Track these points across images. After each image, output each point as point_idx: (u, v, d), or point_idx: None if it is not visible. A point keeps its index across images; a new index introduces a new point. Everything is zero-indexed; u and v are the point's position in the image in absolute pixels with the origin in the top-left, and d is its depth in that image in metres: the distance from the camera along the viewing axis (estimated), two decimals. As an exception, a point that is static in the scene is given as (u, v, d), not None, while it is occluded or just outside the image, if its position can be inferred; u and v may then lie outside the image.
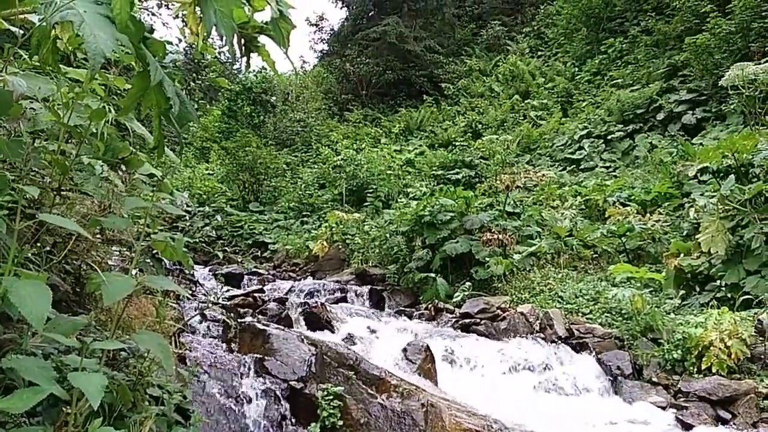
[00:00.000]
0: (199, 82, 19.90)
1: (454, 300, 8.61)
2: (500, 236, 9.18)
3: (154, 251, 3.37)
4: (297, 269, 13.16)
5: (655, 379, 5.71)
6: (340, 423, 4.60)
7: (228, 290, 9.38)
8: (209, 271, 11.63)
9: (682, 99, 15.08)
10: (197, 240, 13.73)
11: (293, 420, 4.60)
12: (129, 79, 3.21)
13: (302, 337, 5.67)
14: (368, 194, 15.41)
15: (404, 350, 6.52)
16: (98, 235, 3.60)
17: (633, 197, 10.82)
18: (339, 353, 5.46)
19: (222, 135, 22.23)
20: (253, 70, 23.56)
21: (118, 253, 4.43)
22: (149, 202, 2.72)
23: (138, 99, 2.47)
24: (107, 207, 3.60)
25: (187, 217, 13.47)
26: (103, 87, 3.10)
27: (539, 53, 26.17)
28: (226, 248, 14.63)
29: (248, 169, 17.66)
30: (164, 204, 2.94)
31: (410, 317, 8.49)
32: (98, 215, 3.14)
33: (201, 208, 15.54)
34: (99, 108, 2.87)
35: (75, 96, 2.74)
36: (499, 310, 7.69)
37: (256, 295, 8.73)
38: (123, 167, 4.02)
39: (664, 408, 5.24)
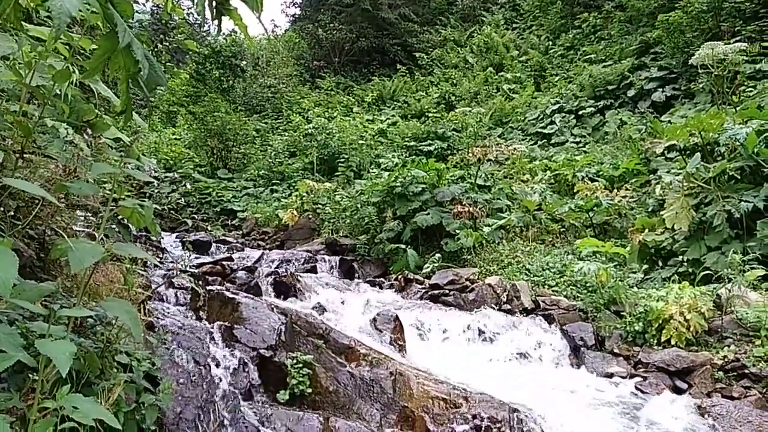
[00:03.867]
0: (167, 43, 19.30)
1: (424, 271, 8.68)
2: (471, 209, 9.26)
3: (120, 217, 3.30)
4: (266, 238, 13.07)
5: (616, 350, 5.89)
6: (309, 391, 4.63)
7: (196, 258, 9.29)
8: (176, 238, 11.49)
9: (653, 76, 15.25)
10: (164, 206, 13.49)
11: (262, 388, 4.62)
12: (95, 39, 3.09)
13: (272, 305, 5.67)
14: (340, 164, 15.31)
15: (373, 320, 6.58)
16: (63, 200, 3.50)
17: (601, 173, 10.99)
18: (309, 322, 5.48)
19: (189, 99, 21.69)
20: (223, 33, 22.98)
21: (83, 218, 4.33)
22: (116, 167, 2.64)
23: (104, 61, 2.38)
24: (72, 171, 3.50)
25: (155, 183, 13.21)
26: (67, 47, 2.99)
27: (514, 25, 26.08)
28: (195, 215, 14.44)
29: (217, 134, 17.32)
30: (132, 169, 2.86)
31: (380, 287, 8.54)
32: (63, 180, 3.05)
33: (168, 174, 15.23)
34: (63, 69, 2.76)
35: (38, 55, 2.64)
36: (467, 282, 7.80)
37: (224, 263, 8.66)
38: (88, 131, 3.90)
39: (624, 378, 5.41)
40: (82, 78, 3.24)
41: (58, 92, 3.23)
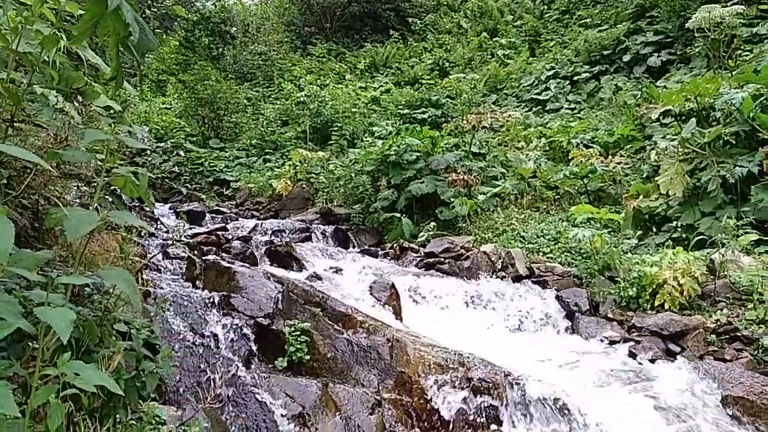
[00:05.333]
0: (155, 9, 18.90)
1: (419, 240, 8.70)
2: (465, 177, 9.23)
3: (113, 187, 3.26)
4: (260, 208, 13.04)
5: (610, 315, 5.95)
6: (307, 358, 4.67)
7: (190, 228, 9.25)
8: (170, 208, 11.43)
9: (649, 41, 15.09)
10: (158, 176, 13.41)
11: (261, 355, 4.65)
12: (82, 4, 3.00)
13: (268, 274, 5.68)
14: (333, 132, 15.16)
15: (370, 288, 6.61)
16: (55, 169, 3.45)
17: (596, 139, 10.95)
18: (305, 290, 5.50)
19: (179, 67, 21.32)
20: (212, -1, 22.51)
21: (76, 188, 4.28)
22: (109, 134, 2.60)
23: (93, 26, 2.32)
24: (64, 140, 3.44)
25: (149, 152, 13.10)
26: (53, 12, 2.90)
27: (508, -11, 25.63)
28: (187, 185, 14.36)
29: (207, 103, 17.07)
30: (126, 137, 2.82)
31: (375, 256, 8.56)
32: (55, 148, 3.00)
33: (159, 144, 15.08)
34: (50, 34, 2.69)
35: (24, 21, 2.57)
36: (462, 250, 7.83)
37: (219, 233, 8.64)
38: (78, 98, 3.83)
39: (617, 342, 5.48)
40: (70, 44, 3.16)
41: (46, 59, 3.16)
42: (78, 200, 4.22)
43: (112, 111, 3.99)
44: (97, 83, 3.94)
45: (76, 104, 3.78)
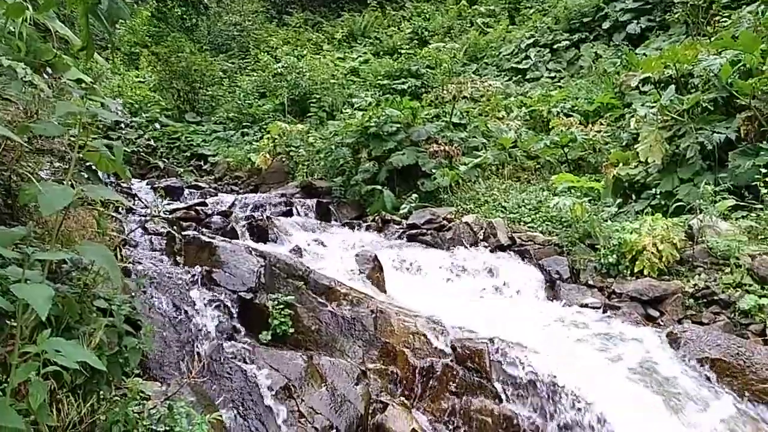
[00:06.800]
0: (124, -21, 18.29)
1: (401, 211, 8.70)
2: (446, 148, 9.21)
3: (88, 162, 3.17)
4: (239, 182, 12.90)
5: (591, 282, 6.03)
6: (292, 331, 4.68)
7: (169, 204, 9.12)
8: (147, 184, 11.26)
9: (628, 8, 15.03)
10: (133, 151, 13.14)
11: (244, 329, 4.64)
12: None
13: (250, 249, 5.64)
14: (311, 104, 14.97)
15: (353, 260, 6.60)
16: (27, 145, 3.35)
17: (576, 108, 10.96)
18: (288, 264, 5.47)
19: (152, 39, 20.75)
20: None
21: (49, 163, 4.17)
22: (82, 107, 2.51)
23: (60, -8, 2.22)
24: (34, 114, 3.33)
25: (123, 126, 12.81)
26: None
27: (486, -45, 25.26)
28: (165, 160, 14.11)
29: (182, 76, 16.70)
30: (99, 109, 2.72)
31: (358, 229, 8.54)
32: (26, 122, 2.90)
33: (134, 119, 14.75)
34: (15, 3, 2.58)
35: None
36: (444, 221, 7.85)
37: (198, 208, 8.54)
38: (48, 70, 3.70)
39: (598, 308, 5.57)
40: (37, 13, 3.04)
41: (12, 30, 3.03)
42: (52, 176, 4.11)
43: (83, 84, 3.86)
44: (66, 55, 3.81)
45: (46, 77, 3.65)
